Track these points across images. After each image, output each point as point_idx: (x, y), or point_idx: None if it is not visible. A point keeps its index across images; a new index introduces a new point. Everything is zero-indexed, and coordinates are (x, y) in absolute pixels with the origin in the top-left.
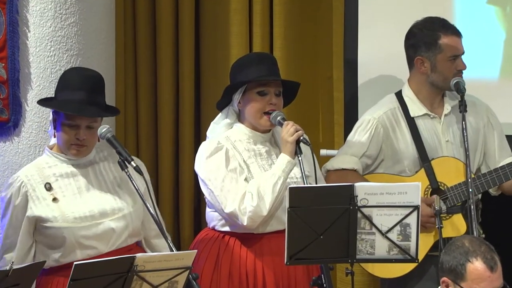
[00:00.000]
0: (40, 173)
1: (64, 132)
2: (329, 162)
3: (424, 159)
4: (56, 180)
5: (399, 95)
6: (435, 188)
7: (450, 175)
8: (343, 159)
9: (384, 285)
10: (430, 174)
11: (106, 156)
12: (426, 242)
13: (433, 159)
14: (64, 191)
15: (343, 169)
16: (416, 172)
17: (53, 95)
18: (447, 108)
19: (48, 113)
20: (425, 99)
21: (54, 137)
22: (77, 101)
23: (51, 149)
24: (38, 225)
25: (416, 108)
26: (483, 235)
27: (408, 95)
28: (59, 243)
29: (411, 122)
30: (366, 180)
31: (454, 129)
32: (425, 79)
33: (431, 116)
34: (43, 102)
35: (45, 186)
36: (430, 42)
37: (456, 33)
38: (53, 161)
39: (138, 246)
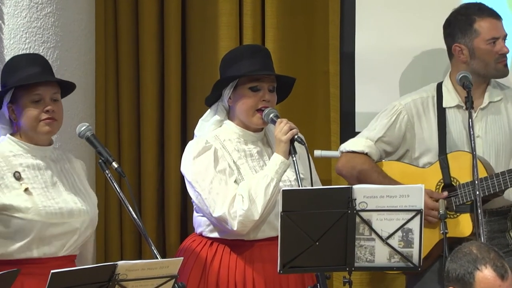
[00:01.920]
0: (6, 161)
1: (30, 112)
2: (343, 143)
3: (442, 151)
4: (24, 171)
5: (439, 84)
6: (447, 183)
7: (465, 171)
8: (357, 141)
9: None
10: (444, 168)
11: (62, 156)
12: (431, 240)
13: (451, 152)
14: (33, 183)
15: (353, 152)
16: (432, 164)
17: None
18: (484, 101)
19: None
20: (462, 91)
21: (17, 130)
22: (32, 74)
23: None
24: (2, 214)
25: (450, 98)
26: None
27: (447, 86)
28: (22, 236)
29: (441, 113)
30: (376, 167)
31: (488, 125)
32: (465, 68)
33: (464, 108)
34: None
35: (14, 174)
36: (465, 27)
37: (494, 15)
38: (17, 150)
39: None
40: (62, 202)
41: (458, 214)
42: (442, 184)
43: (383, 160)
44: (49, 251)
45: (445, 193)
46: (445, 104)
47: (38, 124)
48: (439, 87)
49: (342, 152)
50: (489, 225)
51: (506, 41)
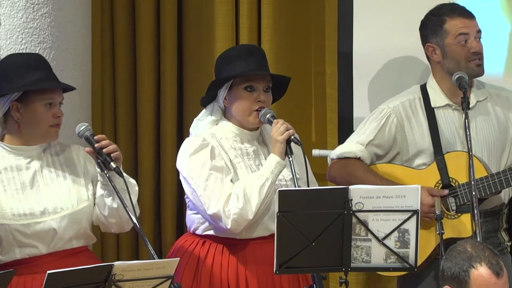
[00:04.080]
0: None
1: (41, 116)
2: (334, 150)
3: (437, 152)
4: (0, 173)
5: (423, 86)
6: (446, 183)
7: (464, 171)
8: (347, 146)
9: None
10: (442, 169)
11: (57, 151)
12: (430, 243)
13: (447, 152)
14: (6, 186)
15: (346, 157)
16: (428, 165)
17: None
18: (472, 101)
19: None
20: (448, 90)
21: (19, 128)
22: (42, 78)
23: (1, 140)
24: None
25: (438, 98)
26: (509, 243)
27: (432, 86)
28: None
29: (430, 113)
30: (371, 170)
31: (478, 124)
32: (440, 68)
33: (453, 107)
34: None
35: None
36: (436, 27)
37: (465, 15)
38: (0, 153)
39: (88, 250)
40: (35, 201)
41: (459, 214)
42: (441, 185)
43: (378, 164)
44: (32, 251)
45: (446, 191)
46: (433, 104)
47: (47, 129)
48: (424, 89)
49: (332, 159)
50: (484, 225)
51: (480, 38)
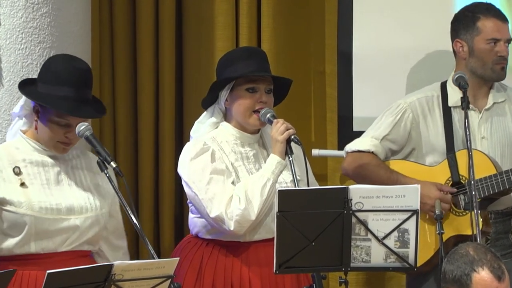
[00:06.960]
0: (8, 156)
1: (51, 129)
2: (349, 144)
3: (449, 150)
4: (25, 166)
5: (444, 83)
6: (456, 181)
7: (474, 168)
8: (362, 141)
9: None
10: (453, 166)
11: (79, 154)
12: (433, 243)
13: (459, 150)
14: (32, 179)
15: (359, 151)
16: (439, 163)
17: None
18: (489, 102)
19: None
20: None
21: (36, 129)
22: (69, 99)
23: (24, 133)
24: None
25: (456, 97)
26: None
27: (451, 85)
28: (17, 231)
29: (446, 112)
30: (383, 163)
31: (493, 125)
32: (465, 65)
33: (470, 107)
34: (27, 90)
35: (13, 169)
36: (469, 24)
37: (500, 17)
38: (23, 146)
39: (91, 257)
40: (62, 198)
41: (466, 212)
42: (451, 182)
43: (390, 160)
44: (47, 246)
45: (454, 189)
46: (450, 103)
47: (55, 144)
48: (444, 86)
49: (347, 152)
50: (494, 226)
51: (508, 45)
